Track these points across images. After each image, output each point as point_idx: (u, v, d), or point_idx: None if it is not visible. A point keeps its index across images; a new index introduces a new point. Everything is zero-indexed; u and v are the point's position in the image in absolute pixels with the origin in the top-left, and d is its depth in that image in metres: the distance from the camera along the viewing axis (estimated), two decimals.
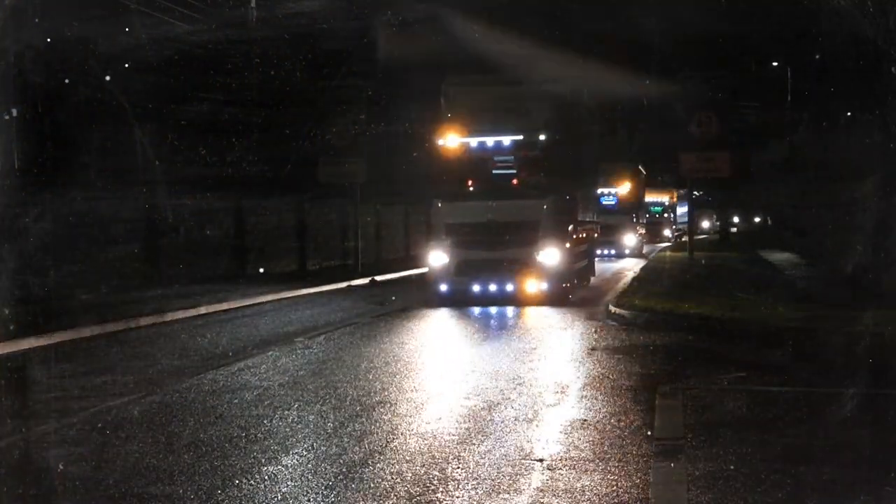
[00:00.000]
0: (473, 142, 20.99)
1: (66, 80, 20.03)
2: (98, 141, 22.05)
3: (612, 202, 42.16)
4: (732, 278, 24.78)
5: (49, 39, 18.36)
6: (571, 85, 23.41)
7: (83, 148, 21.12)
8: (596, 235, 28.00)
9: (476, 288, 20.78)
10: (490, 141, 20.93)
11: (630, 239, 42.86)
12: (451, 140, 21.00)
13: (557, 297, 20.57)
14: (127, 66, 21.73)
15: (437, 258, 20.95)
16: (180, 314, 18.89)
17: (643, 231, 48.02)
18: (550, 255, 20.44)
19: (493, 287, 20.66)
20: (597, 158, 30.53)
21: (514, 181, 20.96)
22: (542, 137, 20.66)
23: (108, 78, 21.08)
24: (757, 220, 71.11)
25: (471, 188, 21.22)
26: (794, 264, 31.04)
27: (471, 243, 20.53)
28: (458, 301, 20.69)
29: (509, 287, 20.52)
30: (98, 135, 22.06)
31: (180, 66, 23.87)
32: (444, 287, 20.87)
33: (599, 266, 31.41)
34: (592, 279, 26.47)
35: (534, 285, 20.41)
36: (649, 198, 53.06)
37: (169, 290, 22.30)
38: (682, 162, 30.96)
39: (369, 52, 32.31)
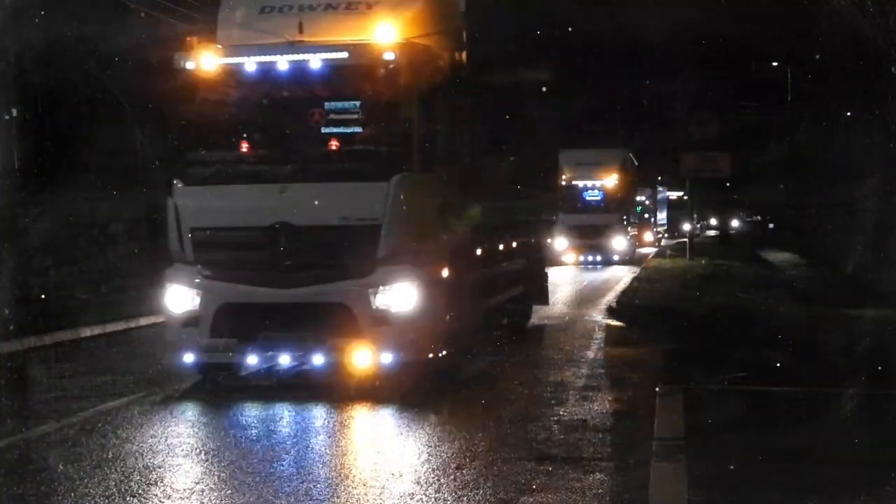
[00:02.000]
0: (249, 62, 10.83)
1: (66, 80, 20.05)
2: (98, 141, 22.06)
3: (598, 198, 35.76)
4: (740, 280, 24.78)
5: (49, 39, 18.38)
6: None
7: (83, 148, 21.12)
8: (550, 241, 19.15)
9: (252, 362, 10.95)
10: (282, 61, 10.70)
11: (619, 242, 36.09)
12: (207, 60, 10.85)
13: (416, 388, 10.58)
14: (127, 66, 21.73)
15: (179, 299, 11.00)
16: None
17: (635, 233, 42.02)
18: (401, 296, 10.54)
19: (284, 360, 11.04)
20: (547, 118, 18.43)
21: (333, 143, 10.88)
22: (389, 55, 10.46)
23: (107, 78, 21.11)
24: (735, 223, 70.27)
25: (243, 157, 11.22)
26: (794, 264, 31.09)
27: (242, 270, 10.83)
28: (220, 388, 11.09)
29: (317, 360, 10.71)
30: (98, 135, 22.06)
31: None
32: (191, 357, 10.85)
33: (573, 278, 28.46)
34: (541, 312, 17.23)
35: (367, 359, 10.46)
36: None
37: None
38: (682, 162, 31.01)
39: None
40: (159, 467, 8.05)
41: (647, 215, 51.73)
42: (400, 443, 9.15)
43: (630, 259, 36.35)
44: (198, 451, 8.72)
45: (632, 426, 9.28)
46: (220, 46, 11.12)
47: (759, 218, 63.46)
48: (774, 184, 42.32)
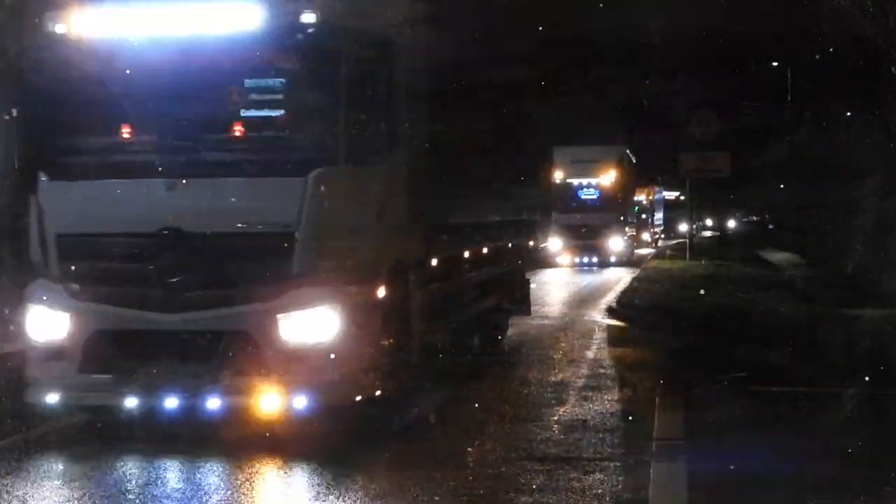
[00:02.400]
0: (134, 27, 8.64)
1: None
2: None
3: (594, 196, 34.49)
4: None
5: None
6: None
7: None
8: (535, 243, 16.50)
9: (131, 404, 8.49)
10: (175, 25, 8.52)
11: (616, 243, 34.86)
12: (83, 22, 8.77)
13: (341, 438, 8.46)
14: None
15: (41, 324, 8.93)
16: None
17: (633, 233, 40.70)
18: (320, 323, 8.38)
19: (171, 403, 8.40)
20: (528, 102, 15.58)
21: (237, 129, 8.61)
22: (308, 18, 8.21)
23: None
24: (731, 223, 69.58)
25: (123, 145, 8.96)
26: (794, 264, 31.10)
27: (119, 289, 8.62)
28: (88, 435, 8.86)
29: (212, 403, 8.32)
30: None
31: None
32: (55, 397, 8.63)
33: (571, 280, 28.08)
34: (541, 312, 16.73)
35: (275, 402, 8.24)
36: None
37: None
38: (681, 162, 30.98)
39: None
40: None
41: (644, 215, 50.11)
42: None
43: (628, 260, 35.27)
44: None
45: (632, 426, 9.28)
46: (102, 8, 8.75)
47: (756, 218, 63.28)
48: (774, 184, 42.26)
